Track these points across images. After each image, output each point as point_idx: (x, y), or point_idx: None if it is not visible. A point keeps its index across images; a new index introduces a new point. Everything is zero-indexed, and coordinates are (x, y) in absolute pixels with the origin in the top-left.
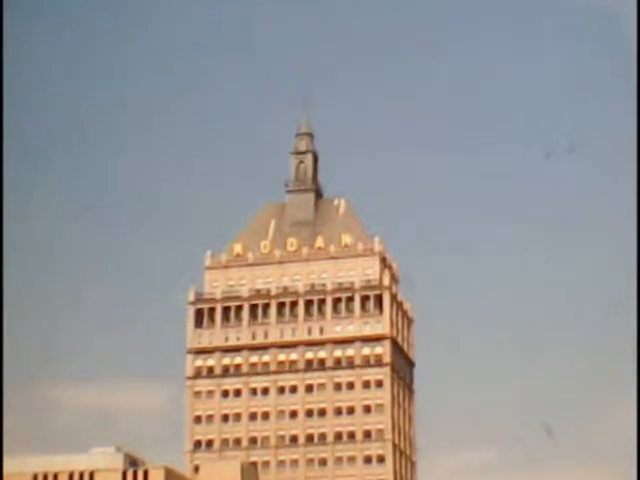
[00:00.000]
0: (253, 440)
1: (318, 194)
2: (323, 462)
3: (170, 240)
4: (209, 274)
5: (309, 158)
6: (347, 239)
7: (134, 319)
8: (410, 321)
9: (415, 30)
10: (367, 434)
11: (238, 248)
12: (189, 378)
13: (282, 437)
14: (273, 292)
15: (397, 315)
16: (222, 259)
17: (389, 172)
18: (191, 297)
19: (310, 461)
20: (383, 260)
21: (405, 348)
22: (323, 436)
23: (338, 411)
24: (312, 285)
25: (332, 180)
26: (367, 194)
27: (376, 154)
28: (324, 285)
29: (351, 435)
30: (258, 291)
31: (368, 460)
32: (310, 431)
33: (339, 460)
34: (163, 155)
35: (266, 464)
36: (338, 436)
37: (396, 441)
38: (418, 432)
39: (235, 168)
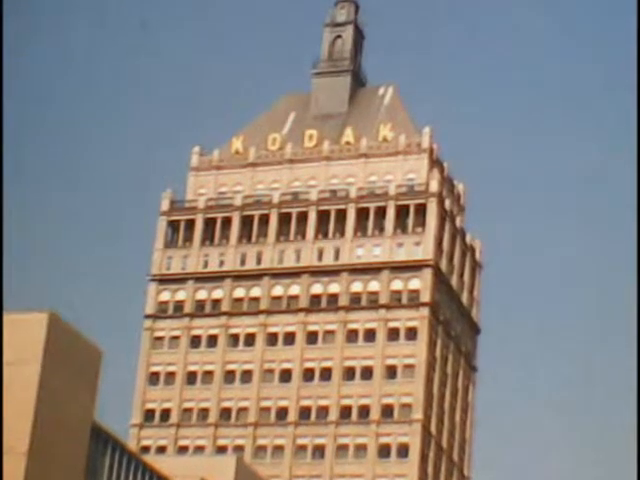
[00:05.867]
0: (225, 413)
1: (358, 80)
2: (320, 452)
3: (150, 133)
4: (194, 177)
5: (349, 31)
6: (385, 131)
7: (87, 233)
8: (477, 266)
9: None
10: (387, 410)
11: (237, 144)
12: (149, 317)
13: (266, 410)
14: (275, 200)
15: (452, 241)
16: (214, 157)
17: (461, 57)
18: (165, 205)
19: (301, 449)
20: (437, 163)
21: (464, 300)
22: (324, 411)
23: (349, 373)
24: (331, 192)
25: (381, 65)
26: (427, 85)
27: (446, 33)
28: (347, 191)
29: (363, 411)
30: (256, 199)
31: (384, 451)
32: (306, 403)
33: (342, 450)
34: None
35: (238, 449)
36: (345, 412)
37: (432, 430)
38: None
39: (246, 44)
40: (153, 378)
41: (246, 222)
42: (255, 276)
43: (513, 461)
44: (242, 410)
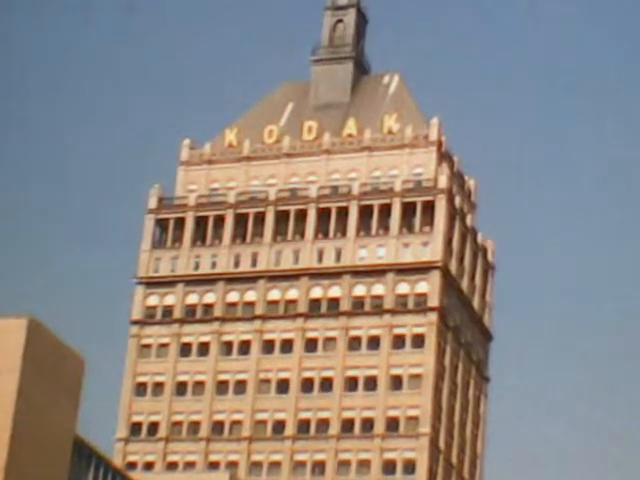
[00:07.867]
0: (218, 426)
1: (361, 68)
2: (320, 468)
3: (137, 125)
4: (185, 172)
5: (351, 16)
6: (391, 123)
7: (69, 232)
8: (489, 268)
9: None
10: (392, 424)
11: (231, 136)
12: (135, 323)
13: (261, 424)
14: (272, 197)
15: (462, 241)
16: (206, 151)
17: (471, 43)
18: (152, 202)
19: (299, 465)
20: (446, 157)
21: (476, 304)
22: (324, 424)
23: (351, 384)
24: (332, 188)
25: (386, 51)
26: (435, 72)
27: (455, 16)
28: (349, 187)
29: (367, 424)
30: (251, 196)
31: (389, 467)
32: (305, 415)
33: (344, 466)
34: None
35: (231, 465)
36: (347, 425)
37: (441, 445)
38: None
39: (241, 29)
40: (140, 389)
41: (240, 221)
42: (250, 279)
43: (527, 478)
44: (236, 423)
